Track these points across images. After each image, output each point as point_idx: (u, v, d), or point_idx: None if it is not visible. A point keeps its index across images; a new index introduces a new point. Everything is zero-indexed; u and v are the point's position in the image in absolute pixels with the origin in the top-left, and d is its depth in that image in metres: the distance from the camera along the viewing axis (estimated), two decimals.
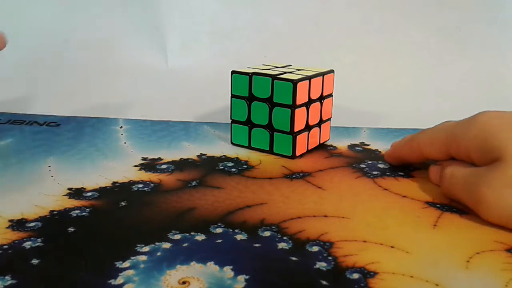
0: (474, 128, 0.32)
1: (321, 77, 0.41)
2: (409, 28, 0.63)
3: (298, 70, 0.42)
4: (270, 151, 0.41)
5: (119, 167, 0.39)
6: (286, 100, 0.39)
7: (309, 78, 0.40)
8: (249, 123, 0.42)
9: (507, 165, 0.30)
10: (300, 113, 0.39)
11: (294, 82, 0.38)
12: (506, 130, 0.31)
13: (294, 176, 0.37)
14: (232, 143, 0.43)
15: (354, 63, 0.61)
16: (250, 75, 0.40)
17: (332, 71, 0.42)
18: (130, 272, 0.26)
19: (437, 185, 0.36)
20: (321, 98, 0.41)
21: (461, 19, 0.63)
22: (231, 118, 0.43)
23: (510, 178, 0.29)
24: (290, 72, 0.41)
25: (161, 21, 0.68)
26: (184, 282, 0.25)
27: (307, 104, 0.40)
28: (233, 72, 0.41)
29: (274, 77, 0.39)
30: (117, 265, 0.26)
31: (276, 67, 0.43)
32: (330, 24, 0.65)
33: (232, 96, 0.42)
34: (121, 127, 0.48)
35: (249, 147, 0.42)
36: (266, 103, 0.40)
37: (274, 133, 0.40)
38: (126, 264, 0.26)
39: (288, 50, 0.63)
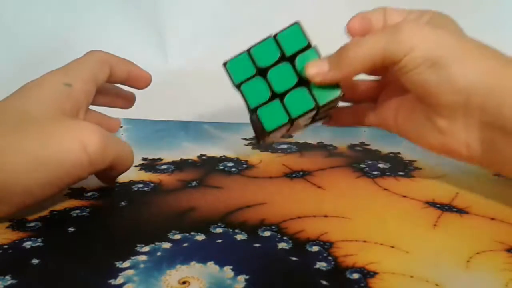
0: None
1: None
2: None
3: None
4: (316, 107, 0.35)
5: None
6: (300, 43, 0.35)
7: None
8: (277, 96, 0.35)
9: None
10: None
11: (298, 22, 0.36)
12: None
13: (294, 175, 0.37)
14: (267, 132, 0.35)
15: None
16: (247, 50, 0.36)
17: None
18: (130, 272, 0.26)
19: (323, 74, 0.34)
20: None
21: (461, 19, 0.63)
22: (251, 109, 0.36)
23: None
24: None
25: (161, 21, 0.68)
26: (184, 282, 0.25)
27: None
28: (225, 62, 0.36)
29: (274, 35, 0.36)
30: (117, 265, 0.26)
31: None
32: (330, 24, 0.65)
33: (238, 85, 0.36)
34: (121, 127, 0.48)
35: (290, 120, 0.35)
36: (283, 62, 0.35)
37: (311, 84, 0.35)
38: (126, 264, 0.26)
39: None
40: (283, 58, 0.35)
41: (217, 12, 0.67)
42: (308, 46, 0.35)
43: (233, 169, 0.38)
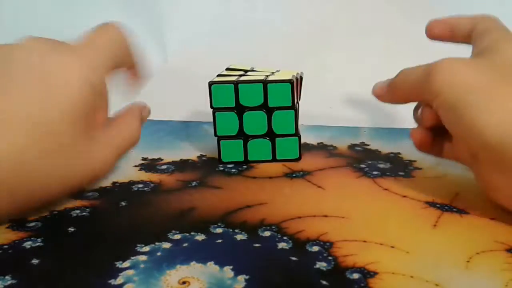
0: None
1: (299, 78, 0.40)
2: (409, 28, 0.63)
3: (273, 72, 0.40)
4: (273, 159, 0.39)
5: (119, 167, 0.39)
6: (285, 102, 0.37)
7: (296, 79, 0.39)
8: (243, 136, 0.38)
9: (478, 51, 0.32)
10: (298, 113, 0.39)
11: (291, 82, 0.37)
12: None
13: (294, 175, 0.37)
14: (221, 162, 0.39)
15: (354, 62, 0.61)
16: (235, 84, 0.37)
17: (302, 74, 0.41)
18: (130, 272, 0.26)
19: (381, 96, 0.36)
20: (298, 100, 0.40)
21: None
22: (216, 135, 0.38)
23: (474, 59, 0.31)
24: (268, 75, 0.39)
25: (161, 21, 0.68)
26: (184, 282, 0.25)
27: (297, 104, 0.39)
28: (211, 83, 0.37)
29: (265, 81, 0.37)
30: (117, 265, 0.26)
31: (243, 70, 0.41)
32: (330, 24, 0.65)
33: (215, 110, 0.38)
34: None
35: (246, 161, 0.39)
36: (261, 110, 0.38)
37: (276, 139, 0.39)
38: (126, 264, 0.26)
39: (288, 50, 0.63)
40: (263, 106, 0.37)
41: (217, 12, 0.67)
42: (291, 107, 0.37)
43: (233, 170, 0.38)
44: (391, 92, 0.35)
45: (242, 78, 0.38)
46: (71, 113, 0.28)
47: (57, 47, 0.31)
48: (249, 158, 0.39)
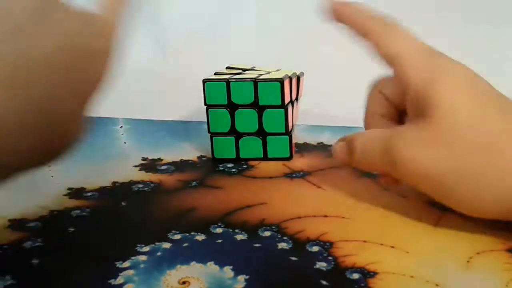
0: (429, 67, 0.30)
1: (295, 78, 0.41)
2: (409, 27, 0.63)
3: (269, 72, 0.40)
4: (264, 158, 0.39)
5: (119, 167, 0.39)
6: (275, 100, 0.38)
7: (289, 77, 0.39)
8: (235, 133, 0.39)
9: (431, 122, 0.28)
10: (289, 112, 0.39)
11: (281, 81, 0.37)
12: (455, 84, 0.29)
13: (294, 175, 0.37)
14: (214, 158, 0.40)
15: (355, 62, 0.61)
16: (227, 81, 0.38)
17: (302, 74, 0.42)
18: (130, 272, 0.26)
19: (345, 164, 0.33)
20: (295, 99, 0.41)
21: (461, 19, 0.63)
22: (209, 132, 0.39)
23: (430, 135, 0.28)
24: (264, 74, 0.39)
25: (161, 21, 0.68)
26: (184, 282, 0.25)
27: (290, 104, 0.39)
28: (205, 80, 0.38)
29: (256, 80, 0.38)
30: (117, 265, 0.26)
31: (242, 69, 0.41)
32: (330, 24, 0.65)
33: (208, 106, 0.39)
34: (121, 126, 0.48)
35: (237, 159, 0.39)
36: (252, 108, 0.38)
37: (267, 137, 0.39)
38: (126, 264, 0.26)
39: (288, 50, 0.63)
40: (254, 104, 0.38)
41: (217, 12, 0.67)
42: (281, 106, 0.38)
43: (233, 170, 0.38)
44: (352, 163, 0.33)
45: (236, 76, 0.39)
46: None
47: None
48: (241, 156, 0.39)
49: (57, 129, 0.25)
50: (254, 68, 0.42)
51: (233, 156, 0.39)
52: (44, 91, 0.23)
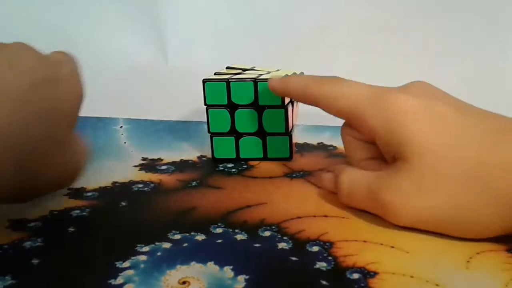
0: (383, 111, 0.29)
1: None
2: (409, 27, 0.63)
3: (269, 72, 0.40)
4: (264, 158, 0.39)
5: (119, 167, 0.39)
6: (275, 100, 0.38)
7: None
8: (235, 133, 0.39)
9: (411, 167, 0.28)
10: (289, 112, 0.39)
11: None
12: (417, 121, 0.28)
13: (294, 175, 0.37)
14: (214, 158, 0.40)
15: (354, 63, 0.61)
16: (227, 81, 0.38)
17: (302, 74, 0.41)
18: (130, 272, 0.26)
19: (333, 192, 0.33)
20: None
21: (461, 19, 0.63)
22: (209, 132, 0.39)
23: (414, 181, 0.28)
24: (264, 74, 0.39)
25: (161, 21, 0.68)
26: (184, 282, 0.25)
27: (290, 104, 0.39)
28: (205, 80, 0.38)
29: (256, 80, 0.38)
30: (117, 265, 0.26)
31: (242, 69, 0.41)
32: (330, 24, 0.65)
33: (208, 106, 0.39)
34: (121, 126, 0.48)
35: (237, 159, 0.39)
36: (252, 108, 0.38)
37: (267, 137, 0.39)
38: (126, 264, 0.26)
39: (288, 50, 0.63)
40: (254, 104, 0.38)
41: (217, 12, 0.67)
42: (281, 106, 0.38)
43: (233, 170, 0.38)
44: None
45: (236, 76, 0.39)
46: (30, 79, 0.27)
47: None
48: (241, 156, 0.39)
49: (29, 170, 0.27)
50: (254, 68, 0.42)
51: (233, 156, 0.39)
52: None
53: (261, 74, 0.39)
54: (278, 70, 0.41)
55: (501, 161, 0.27)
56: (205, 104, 0.39)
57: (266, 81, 0.37)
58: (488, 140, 0.27)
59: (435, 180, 0.28)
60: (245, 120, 0.39)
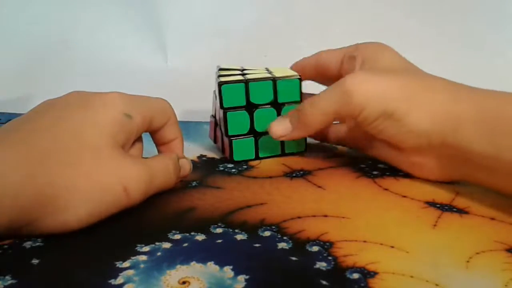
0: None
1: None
2: (409, 28, 0.63)
3: (268, 70, 0.40)
4: (282, 154, 0.40)
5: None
6: (294, 97, 0.38)
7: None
8: (253, 133, 0.39)
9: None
10: None
11: (300, 78, 0.39)
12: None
13: (294, 175, 0.37)
14: (233, 161, 0.39)
15: None
16: (246, 82, 0.38)
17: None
18: (130, 272, 0.26)
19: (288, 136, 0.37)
20: None
21: (461, 19, 0.63)
22: (227, 135, 0.39)
23: (368, 71, 0.35)
24: (260, 73, 0.39)
25: (161, 21, 0.68)
26: (184, 282, 0.25)
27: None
28: (222, 83, 0.38)
29: (274, 78, 0.38)
30: (117, 265, 0.26)
31: (238, 69, 0.41)
32: (330, 24, 0.65)
33: (226, 109, 0.38)
34: None
35: (257, 158, 0.39)
36: (272, 106, 0.39)
37: None
38: (126, 264, 0.26)
39: (288, 50, 0.63)
40: (273, 102, 0.38)
41: (217, 12, 0.67)
42: (299, 102, 0.39)
43: (233, 170, 0.38)
44: (303, 127, 0.36)
45: (248, 76, 0.39)
46: (107, 129, 0.31)
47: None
48: (260, 155, 0.39)
49: None
50: (246, 68, 0.41)
51: (253, 157, 0.39)
52: None
53: (260, 73, 0.39)
54: (267, 69, 0.41)
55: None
56: (222, 107, 0.38)
57: (285, 79, 0.38)
58: (417, 78, 0.35)
59: (392, 71, 0.35)
60: (264, 119, 0.38)
